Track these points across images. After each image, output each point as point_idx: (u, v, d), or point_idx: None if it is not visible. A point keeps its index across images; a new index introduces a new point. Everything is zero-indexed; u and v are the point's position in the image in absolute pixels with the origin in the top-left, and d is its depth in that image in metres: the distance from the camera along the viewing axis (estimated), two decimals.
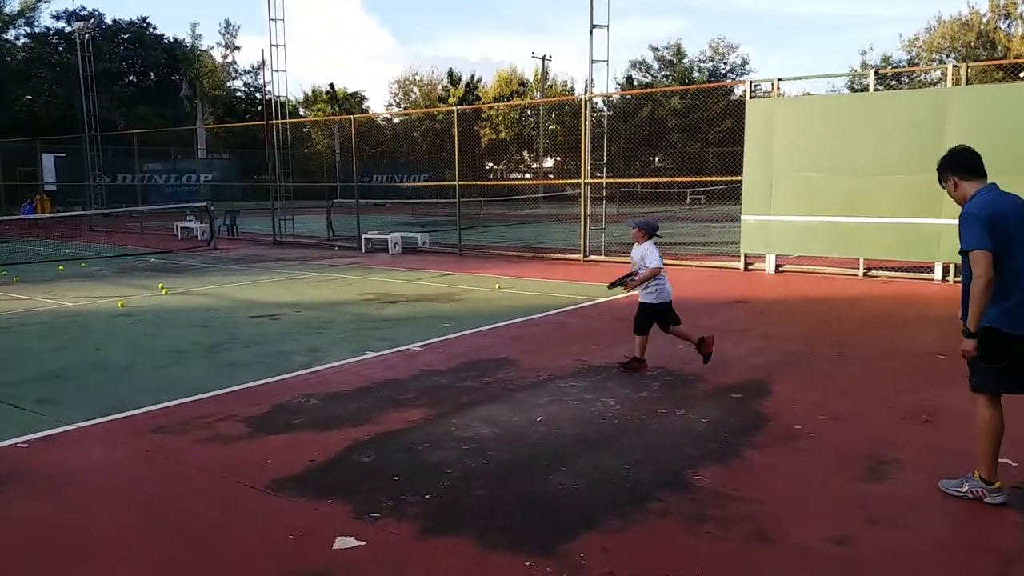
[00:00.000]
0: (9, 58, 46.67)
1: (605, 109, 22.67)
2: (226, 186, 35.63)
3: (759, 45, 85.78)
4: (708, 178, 21.34)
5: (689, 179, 25.26)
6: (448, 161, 40.83)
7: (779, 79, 13.32)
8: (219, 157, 42.87)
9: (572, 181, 20.90)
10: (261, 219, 24.66)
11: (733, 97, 35.90)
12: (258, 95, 54.78)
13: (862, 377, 6.62)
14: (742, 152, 13.53)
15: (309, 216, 24.05)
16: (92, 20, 44.82)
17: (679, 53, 49.67)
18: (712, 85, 38.15)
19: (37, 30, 48.42)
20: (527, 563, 3.44)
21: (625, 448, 4.88)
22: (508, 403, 5.85)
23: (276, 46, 22.10)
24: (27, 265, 16.23)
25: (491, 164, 52.24)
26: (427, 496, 4.17)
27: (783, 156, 12.82)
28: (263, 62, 46.86)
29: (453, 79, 60.81)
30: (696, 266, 14.37)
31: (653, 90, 42.20)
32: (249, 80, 56.60)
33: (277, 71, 22.37)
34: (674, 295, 6.84)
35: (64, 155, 33.25)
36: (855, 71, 41.21)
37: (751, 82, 13.66)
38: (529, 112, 51.93)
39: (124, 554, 3.64)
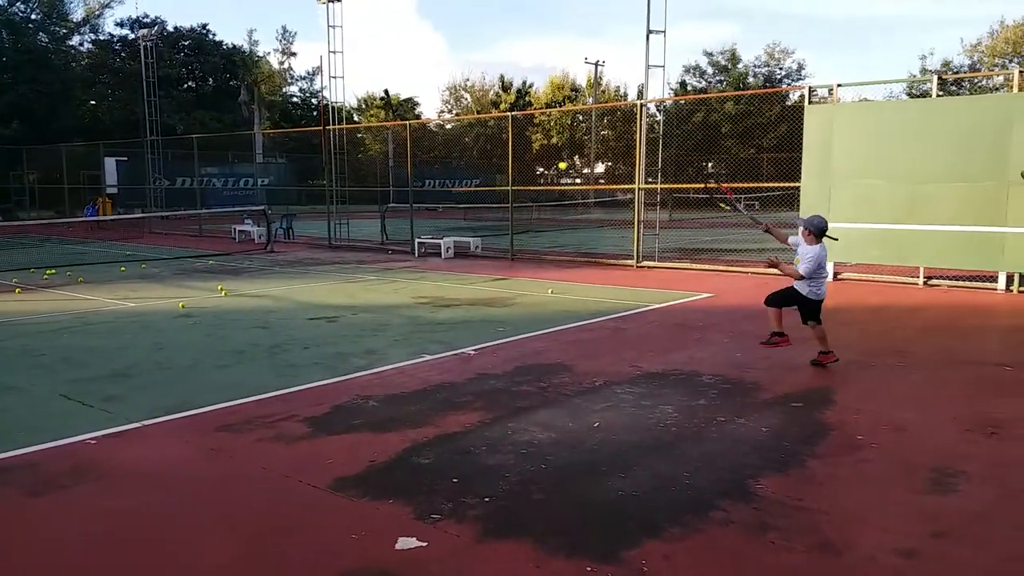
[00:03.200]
0: (74, 63, 48.34)
1: (658, 114, 22.49)
2: (282, 190, 36.33)
3: (815, 50, 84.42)
4: (763, 184, 21.01)
5: (743, 185, 24.89)
6: (499, 166, 41.35)
7: (838, 85, 13.07)
8: (275, 161, 43.76)
9: (625, 187, 20.83)
10: (316, 223, 25.09)
11: (789, 102, 35.32)
12: (313, 100, 55.91)
13: (925, 388, 6.47)
14: (798, 158, 13.31)
15: (363, 220, 24.39)
16: (156, 28, 46.16)
17: (734, 58, 49.09)
18: (768, 91, 37.53)
19: (101, 37, 50.16)
20: (588, 568, 3.44)
21: (684, 456, 4.84)
22: (564, 408, 5.86)
23: (334, 52, 22.45)
24: (90, 266, 16.77)
25: (542, 169, 52.35)
26: (486, 499, 4.19)
27: (842, 163, 12.58)
28: (319, 68, 47.60)
29: (505, 85, 61.16)
30: (751, 273, 14.16)
31: (708, 95, 41.73)
32: (305, 86, 57.81)
33: (334, 77, 22.68)
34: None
35: (126, 159, 34.26)
36: (915, 77, 40.17)
37: (809, 88, 13.45)
38: (581, 117, 51.90)
39: (190, 548, 3.73)
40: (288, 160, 45.31)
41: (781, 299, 7.13)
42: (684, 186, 25.85)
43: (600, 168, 51.21)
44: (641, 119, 15.46)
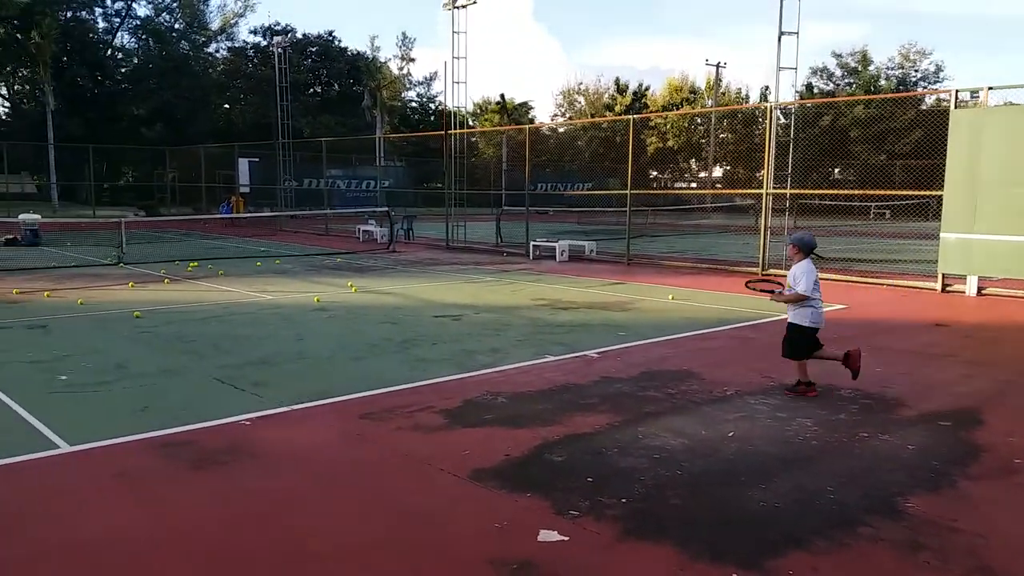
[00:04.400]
0: (211, 70, 51.51)
1: (783, 118, 21.81)
2: (401, 192, 37.41)
3: (953, 51, 79.58)
4: (899, 192, 19.98)
5: (877, 192, 23.73)
6: (611, 170, 41.13)
7: (989, 88, 12.27)
8: (395, 164, 45.09)
9: (752, 191, 20.30)
10: (434, 224, 25.70)
11: (923, 107, 33.49)
12: (431, 105, 57.24)
13: None
14: (934, 165, 12.63)
15: (478, 223, 24.80)
16: (287, 35, 48.48)
17: (864, 60, 47.03)
18: (906, 94, 35.66)
19: (236, 44, 53.20)
20: (734, 575, 3.41)
21: (827, 470, 4.70)
22: (694, 416, 5.79)
23: (457, 58, 22.91)
24: (228, 260, 17.79)
25: (655, 173, 51.72)
26: (623, 500, 4.21)
27: (991, 171, 11.78)
28: (436, 73, 48.56)
29: (620, 87, 60.82)
30: (886, 285, 13.52)
31: (841, 99, 40.10)
32: (422, 91, 59.25)
33: (457, 83, 23.12)
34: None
35: (258, 160, 36.12)
36: None
37: (956, 91, 12.70)
38: (699, 120, 50.95)
39: (342, 528, 3.92)
40: (407, 163, 46.57)
41: (793, 347, 6.39)
42: (815, 192, 24.81)
43: (718, 172, 50.13)
44: (772, 122, 15.03)
